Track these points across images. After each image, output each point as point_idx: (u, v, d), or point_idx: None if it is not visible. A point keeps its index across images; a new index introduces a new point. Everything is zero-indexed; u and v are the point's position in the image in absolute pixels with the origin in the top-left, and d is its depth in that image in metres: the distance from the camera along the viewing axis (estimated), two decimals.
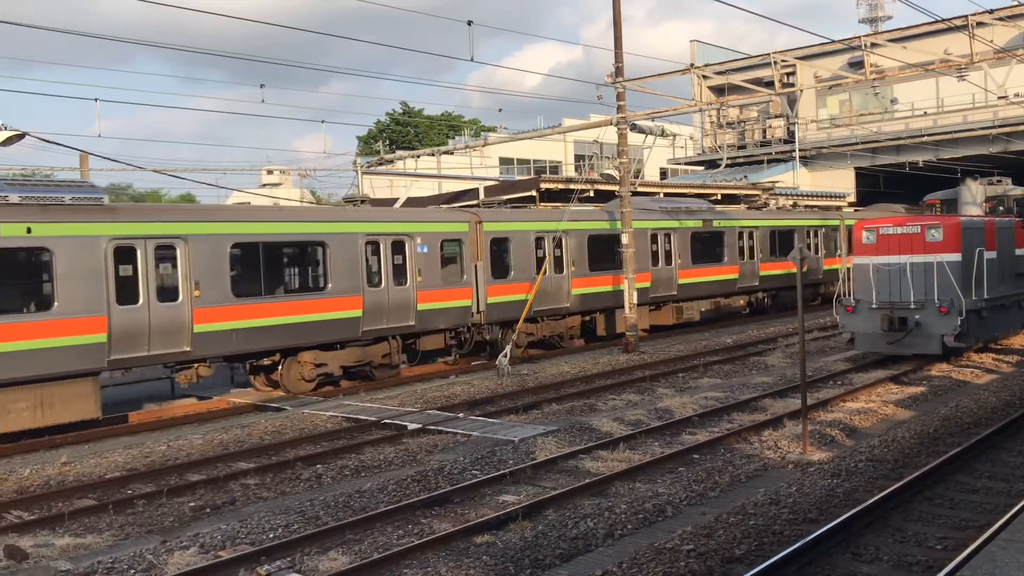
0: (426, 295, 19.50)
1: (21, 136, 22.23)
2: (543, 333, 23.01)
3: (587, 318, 24.48)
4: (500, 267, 21.58)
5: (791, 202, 35.73)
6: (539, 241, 22.54)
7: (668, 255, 26.30)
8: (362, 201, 21.28)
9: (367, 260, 18.54)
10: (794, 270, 31.96)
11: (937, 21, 22.42)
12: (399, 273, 19.16)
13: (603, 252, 24.37)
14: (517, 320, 21.39)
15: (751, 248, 29.58)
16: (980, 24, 24.21)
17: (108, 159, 44.35)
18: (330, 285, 17.90)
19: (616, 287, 23.85)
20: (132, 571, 8.24)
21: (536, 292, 21.86)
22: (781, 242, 30.87)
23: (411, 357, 20.50)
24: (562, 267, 22.98)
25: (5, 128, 22.19)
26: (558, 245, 22.88)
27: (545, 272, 22.20)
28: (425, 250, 19.59)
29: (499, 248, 21.68)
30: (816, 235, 33.08)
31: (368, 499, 10.23)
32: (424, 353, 20.83)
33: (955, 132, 40.98)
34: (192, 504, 10.49)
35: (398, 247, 19.19)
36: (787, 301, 31.45)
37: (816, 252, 32.78)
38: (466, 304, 20.50)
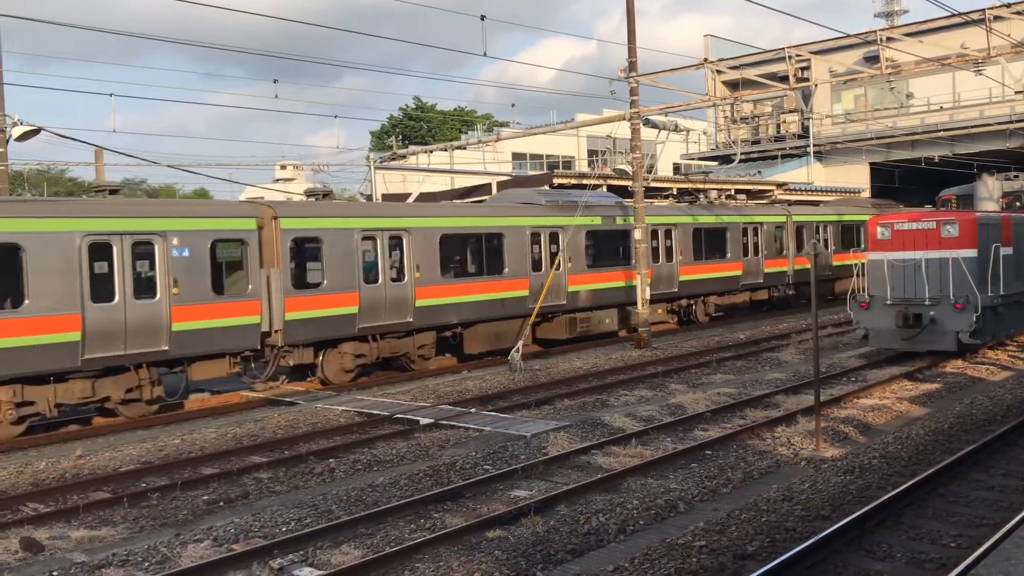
0: (188, 311, 15.57)
1: (37, 131, 22.42)
2: (380, 354, 19.03)
3: (449, 333, 20.65)
4: (306, 275, 17.91)
5: (725, 194, 31.76)
6: (369, 241, 18.70)
7: (554, 258, 22.58)
8: (113, 191, 17.03)
9: (91, 267, 14.66)
10: (722, 274, 28.63)
11: (954, 15, 22.24)
12: (144, 284, 15.29)
13: (465, 254, 21.02)
14: (335, 340, 18.11)
15: (668, 249, 25.79)
16: (997, 18, 24.01)
17: (123, 154, 44.67)
18: (28, 301, 13.94)
19: (480, 297, 20.59)
20: (146, 563, 8.30)
21: (364, 305, 18.24)
22: (708, 242, 27.26)
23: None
24: (403, 273, 19.30)
25: (21, 123, 22.37)
26: (397, 246, 19.27)
27: (379, 279, 18.68)
28: (186, 253, 15.70)
29: (305, 251, 17.81)
30: (756, 233, 29.06)
31: (380, 493, 10.26)
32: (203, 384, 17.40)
33: (971, 127, 40.68)
34: (206, 497, 10.54)
35: (143, 250, 15.32)
36: (723, 308, 28.39)
37: (755, 253, 28.97)
38: (252, 322, 16.57)
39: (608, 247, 24.18)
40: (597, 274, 23.67)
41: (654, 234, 25.45)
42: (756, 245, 29.09)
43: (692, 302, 27.40)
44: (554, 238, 22.69)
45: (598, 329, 23.79)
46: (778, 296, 30.81)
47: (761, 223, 29.39)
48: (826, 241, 32.13)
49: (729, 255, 28.22)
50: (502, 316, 21.35)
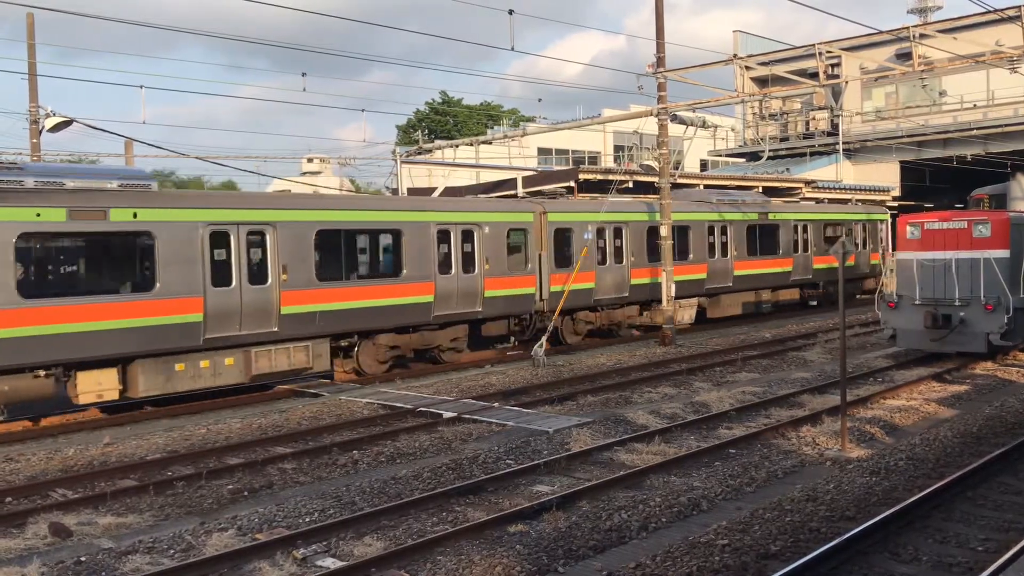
0: None
1: (68, 123, 22.72)
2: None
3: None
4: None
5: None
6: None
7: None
8: None
9: None
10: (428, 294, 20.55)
11: (989, 12, 21.90)
12: None
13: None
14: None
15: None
16: None
17: (153, 146, 45.20)
18: None
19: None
20: (171, 551, 8.39)
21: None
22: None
23: None
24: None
25: (53, 115, 22.67)
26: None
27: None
28: None
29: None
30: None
31: (403, 486, 10.30)
32: None
33: (1005, 125, 40.04)
34: (230, 487, 10.64)
35: None
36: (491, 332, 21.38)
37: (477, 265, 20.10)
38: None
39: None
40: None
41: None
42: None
43: (357, 339, 19.18)
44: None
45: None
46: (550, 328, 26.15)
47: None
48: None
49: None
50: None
